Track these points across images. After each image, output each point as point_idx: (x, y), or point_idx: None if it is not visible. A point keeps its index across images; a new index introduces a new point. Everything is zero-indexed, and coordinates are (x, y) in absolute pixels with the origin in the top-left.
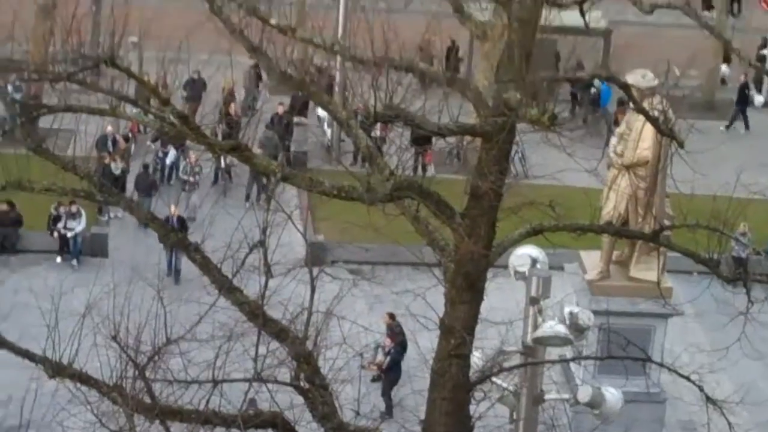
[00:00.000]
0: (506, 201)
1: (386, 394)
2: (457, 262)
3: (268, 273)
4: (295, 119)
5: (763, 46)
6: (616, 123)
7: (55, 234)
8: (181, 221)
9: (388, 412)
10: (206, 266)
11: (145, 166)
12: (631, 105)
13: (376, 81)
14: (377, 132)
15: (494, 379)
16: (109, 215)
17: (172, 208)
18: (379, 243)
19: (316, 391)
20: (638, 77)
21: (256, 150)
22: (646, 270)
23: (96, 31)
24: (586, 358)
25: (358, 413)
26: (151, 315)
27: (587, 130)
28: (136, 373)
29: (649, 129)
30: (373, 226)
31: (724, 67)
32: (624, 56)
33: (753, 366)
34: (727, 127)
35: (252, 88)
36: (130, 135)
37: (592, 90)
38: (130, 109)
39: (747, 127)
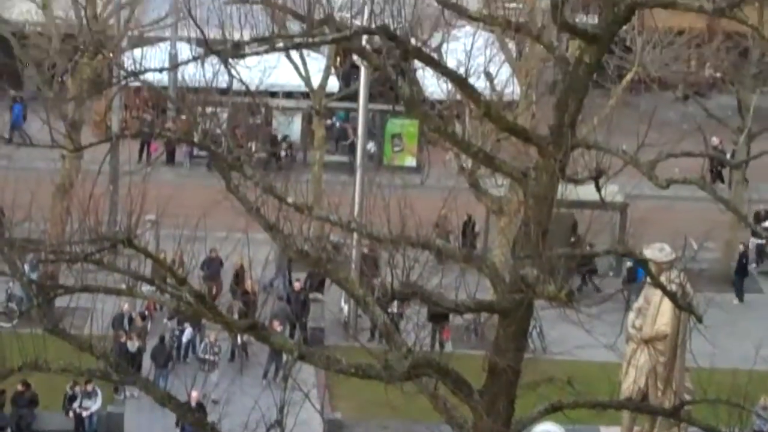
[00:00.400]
0: (525, 377)
1: None
2: None
3: None
4: (311, 296)
5: (766, 218)
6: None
7: (71, 414)
8: (200, 405)
9: None
10: None
11: (162, 339)
12: (649, 279)
13: (393, 258)
14: (394, 308)
15: None
16: (125, 394)
17: (194, 393)
18: (397, 420)
19: None
20: (656, 251)
21: (276, 325)
22: None
23: (113, 209)
24: None
25: None
26: None
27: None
28: None
29: (667, 303)
30: (390, 404)
31: (758, 242)
32: (641, 230)
33: None
34: (740, 300)
35: (283, 266)
36: (146, 313)
37: (628, 264)
38: (147, 288)
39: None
